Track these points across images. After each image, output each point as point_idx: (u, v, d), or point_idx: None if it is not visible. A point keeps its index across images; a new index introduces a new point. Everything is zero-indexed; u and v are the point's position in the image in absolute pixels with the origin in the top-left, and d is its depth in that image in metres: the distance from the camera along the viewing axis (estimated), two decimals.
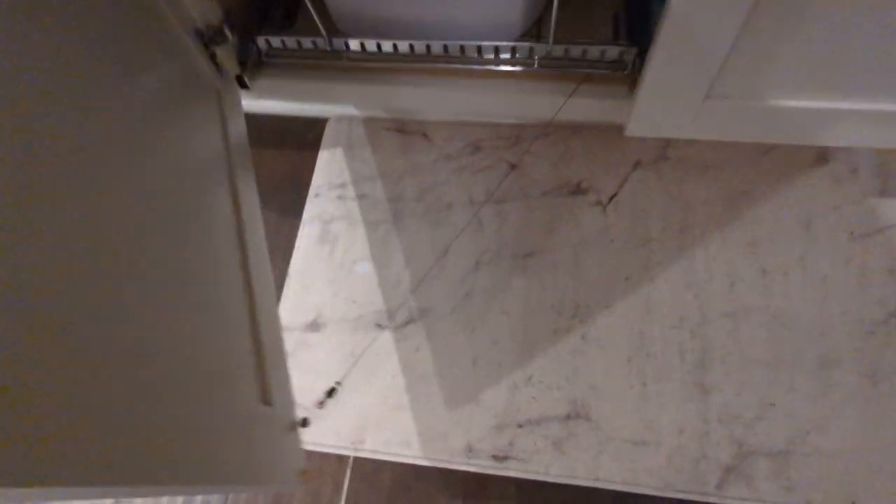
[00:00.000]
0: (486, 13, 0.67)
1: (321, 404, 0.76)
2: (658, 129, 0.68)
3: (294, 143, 0.99)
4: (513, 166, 0.89)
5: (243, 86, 0.73)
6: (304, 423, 0.76)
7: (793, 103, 0.60)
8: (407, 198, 0.89)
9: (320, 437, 0.75)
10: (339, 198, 0.91)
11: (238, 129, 0.72)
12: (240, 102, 0.77)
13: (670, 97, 0.63)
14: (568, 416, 0.73)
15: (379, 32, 0.74)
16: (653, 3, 0.76)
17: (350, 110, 0.95)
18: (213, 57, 0.70)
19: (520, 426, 0.73)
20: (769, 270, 0.79)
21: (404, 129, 0.95)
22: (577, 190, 0.87)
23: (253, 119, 1.00)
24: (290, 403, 0.65)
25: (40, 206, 0.35)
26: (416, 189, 0.90)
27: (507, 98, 0.76)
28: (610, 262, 0.82)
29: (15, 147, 0.34)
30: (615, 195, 0.86)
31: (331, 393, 0.76)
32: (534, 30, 0.73)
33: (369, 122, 0.96)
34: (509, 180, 0.89)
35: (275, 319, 0.65)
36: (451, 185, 0.89)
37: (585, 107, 0.76)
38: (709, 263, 0.80)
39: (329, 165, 0.94)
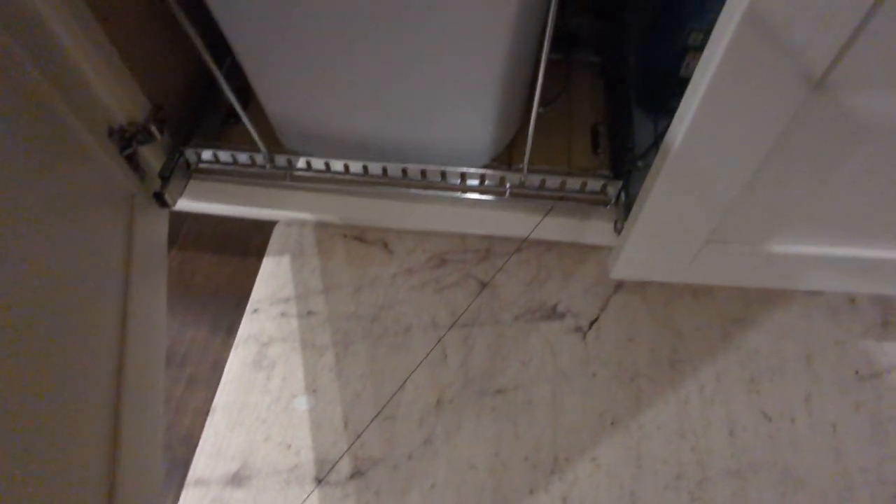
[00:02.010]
0: (451, 136, 0.59)
1: None
2: (649, 272, 0.59)
3: (237, 247, 0.88)
4: (482, 284, 0.80)
5: (163, 204, 0.62)
6: None
7: (811, 249, 0.52)
8: (361, 317, 0.78)
9: None
10: (282, 315, 0.79)
11: (151, 238, 0.61)
12: (161, 211, 0.66)
13: (665, 242, 0.55)
14: None
15: (328, 149, 0.65)
16: (633, 119, 0.70)
17: (302, 214, 0.85)
18: (131, 157, 0.60)
19: None
20: (773, 416, 0.69)
21: (362, 238, 0.85)
22: (554, 314, 0.77)
23: (189, 218, 0.90)
24: None
25: None
26: (372, 307, 0.78)
27: (474, 218, 0.67)
28: (592, 401, 0.70)
29: None
30: (596, 320, 0.76)
31: None
32: (505, 154, 0.66)
33: (323, 228, 0.86)
34: (477, 301, 0.78)
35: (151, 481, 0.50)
36: (411, 303, 0.78)
37: (562, 228, 0.67)
38: (705, 406, 0.70)
39: (274, 276, 0.83)
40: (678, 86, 0.65)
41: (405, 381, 0.72)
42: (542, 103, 0.69)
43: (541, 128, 0.70)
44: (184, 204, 0.85)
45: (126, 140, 0.59)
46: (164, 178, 0.63)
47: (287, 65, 0.53)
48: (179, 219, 0.91)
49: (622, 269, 0.59)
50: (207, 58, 0.51)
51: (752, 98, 0.39)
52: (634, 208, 0.56)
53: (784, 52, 0.35)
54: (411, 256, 0.83)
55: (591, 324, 0.76)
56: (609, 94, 0.70)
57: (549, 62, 0.70)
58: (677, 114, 0.44)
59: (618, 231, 0.60)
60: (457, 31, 0.47)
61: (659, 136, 0.69)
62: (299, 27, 0.48)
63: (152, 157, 0.65)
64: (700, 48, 0.61)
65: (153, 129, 0.61)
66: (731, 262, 0.57)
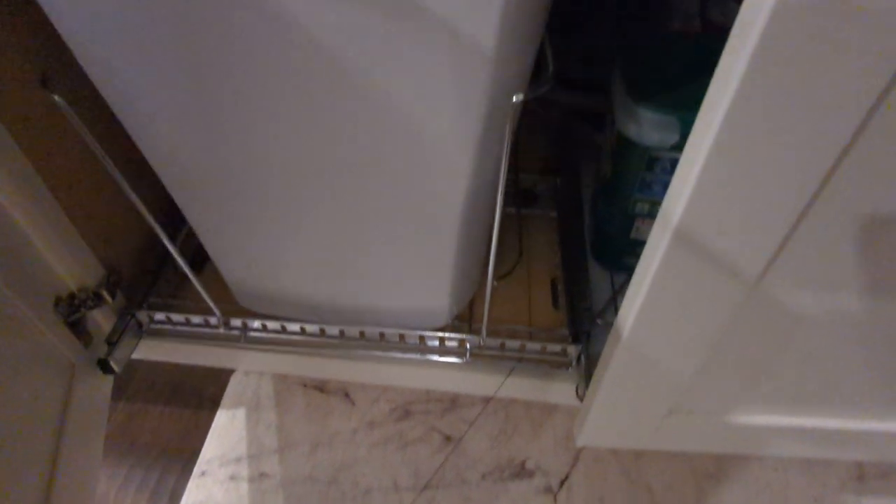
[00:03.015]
0: (409, 301, 0.59)
1: None
2: (613, 440, 0.58)
3: (190, 399, 0.84)
4: (447, 438, 0.76)
5: (108, 370, 0.60)
6: None
7: (774, 420, 0.52)
8: (317, 480, 0.73)
9: None
10: (232, 478, 0.73)
11: (90, 404, 0.57)
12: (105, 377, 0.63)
13: (626, 414, 0.54)
14: None
15: (285, 309, 0.65)
16: (590, 276, 0.71)
17: (260, 368, 0.83)
18: (77, 322, 0.58)
19: None
20: None
21: (323, 388, 0.82)
22: (522, 471, 0.73)
23: (142, 366, 0.86)
24: None
25: None
26: (330, 468, 0.74)
27: (436, 377, 0.66)
28: None
29: None
30: (566, 478, 0.73)
31: None
32: (467, 310, 0.66)
33: (282, 378, 0.83)
34: (442, 458, 0.74)
35: None
36: (372, 463, 0.74)
37: (526, 388, 0.66)
38: None
39: (227, 432, 0.78)
40: (630, 246, 0.68)
41: None
42: (498, 274, 0.70)
43: (501, 282, 0.71)
44: (136, 356, 0.81)
45: (74, 307, 0.58)
46: (111, 343, 0.60)
47: (240, 235, 0.54)
48: (132, 366, 0.87)
49: (586, 437, 0.57)
50: (158, 230, 0.51)
51: (693, 298, 0.40)
52: (594, 379, 0.55)
53: (718, 261, 0.36)
54: (374, 407, 0.80)
55: (562, 483, 0.72)
56: (565, 250, 0.72)
57: (507, 217, 0.72)
58: (624, 301, 0.44)
59: (580, 398, 0.59)
60: (409, 209, 0.48)
61: (616, 292, 0.70)
62: (251, 201, 0.49)
63: (102, 319, 0.63)
64: (648, 215, 0.64)
65: (105, 294, 0.60)
66: (696, 431, 0.55)
